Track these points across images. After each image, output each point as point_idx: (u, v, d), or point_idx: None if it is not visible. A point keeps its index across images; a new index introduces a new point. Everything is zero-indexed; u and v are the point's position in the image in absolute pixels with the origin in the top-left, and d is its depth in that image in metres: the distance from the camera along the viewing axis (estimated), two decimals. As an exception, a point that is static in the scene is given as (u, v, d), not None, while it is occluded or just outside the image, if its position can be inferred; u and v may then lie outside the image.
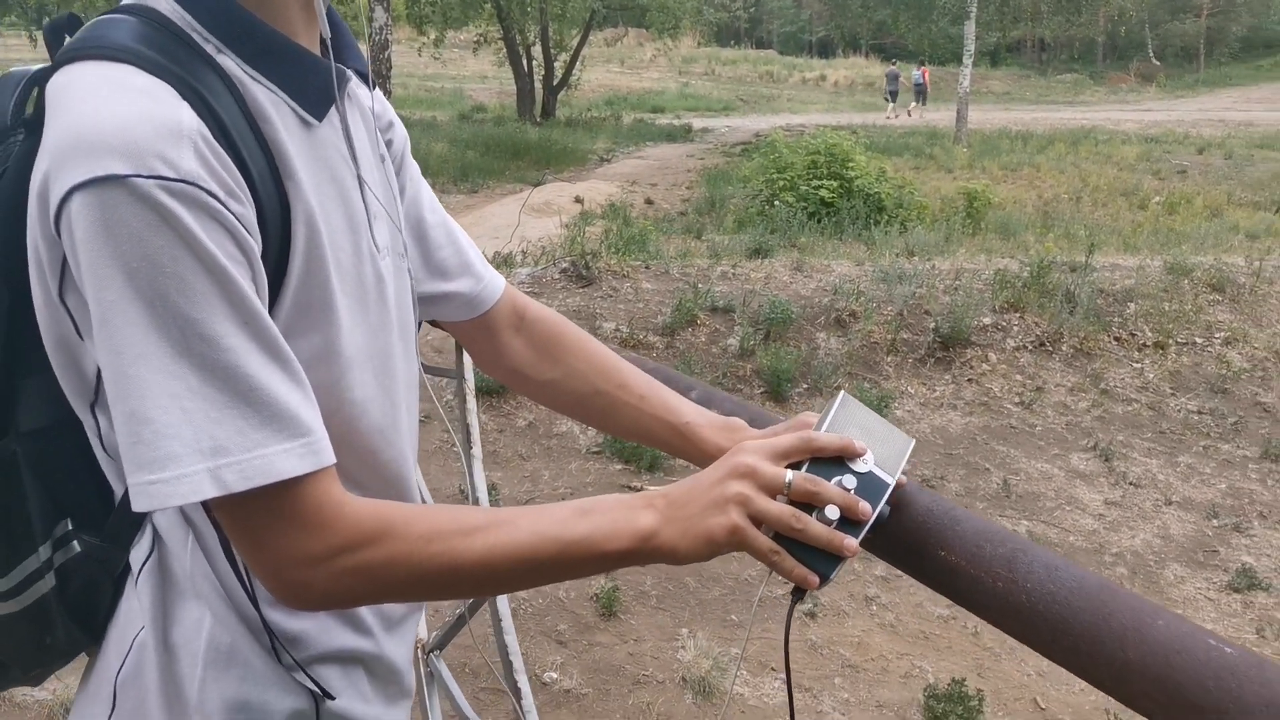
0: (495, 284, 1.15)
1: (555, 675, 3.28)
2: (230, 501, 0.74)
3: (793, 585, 0.82)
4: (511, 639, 1.79)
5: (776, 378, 5.45)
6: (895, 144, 19.52)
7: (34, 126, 0.82)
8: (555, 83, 24.61)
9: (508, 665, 1.77)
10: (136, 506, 0.73)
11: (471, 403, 1.97)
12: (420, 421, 2.02)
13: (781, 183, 11.32)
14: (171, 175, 0.71)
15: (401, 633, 1.01)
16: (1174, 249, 8.51)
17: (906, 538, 1.00)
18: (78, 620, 0.91)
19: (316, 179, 0.86)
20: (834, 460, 0.84)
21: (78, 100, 0.74)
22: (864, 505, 0.82)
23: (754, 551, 0.82)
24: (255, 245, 0.78)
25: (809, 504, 0.82)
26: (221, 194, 0.75)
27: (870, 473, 0.83)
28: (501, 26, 22.12)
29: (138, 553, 0.89)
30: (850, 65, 46.38)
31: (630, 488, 4.47)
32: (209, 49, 0.81)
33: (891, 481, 0.84)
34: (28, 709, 2.76)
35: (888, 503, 0.84)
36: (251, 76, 0.83)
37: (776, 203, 10.83)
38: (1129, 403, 6.01)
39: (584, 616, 3.65)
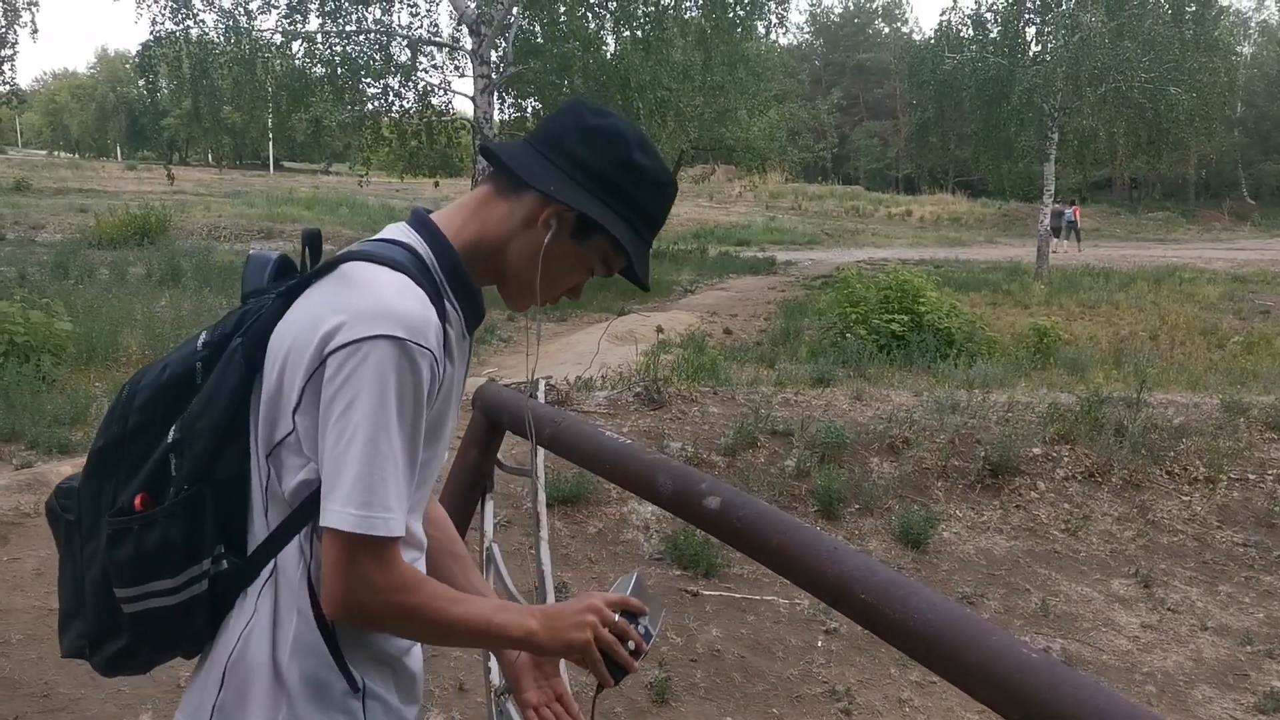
0: None
1: (609, 751, 3.70)
2: (357, 538, 1.20)
3: (598, 683, 1.40)
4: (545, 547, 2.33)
5: (829, 497, 5.87)
6: (974, 279, 19.93)
7: (289, 293, 1.31)
8: (645, 217, 25.67)
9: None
10: (324, 522, 1.23)
11: (541, 495, 2.51)
12: (499, 525, 2.61)
13: (855, 316, 11.85)
14: (424, 345, 1.23)
15: (415, 651, 1.48)
16: (1239, 387, 8.72)
17: (839, 584, 1.50)
18: (211, 617, 1.31)
19: (458, 365, 1.40)
20: (631, 614, 1.40)
21: (379, 286, 1.25)
22: (646, 646, 1.40)
23: (588, 658, 1.36)
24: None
25: (620, 638, 1.37)
26: (441, 363, 1.29)
27: (646, 628, 1.41)
28: (596, 164, 23.32)
29: (264, 573, 1.31)
30: (936, 201, 47.19)
31: (687, 592, 4.91)
32: (438, 279, 1.36)
33: (654, 634, 1.44)
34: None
35: (649, 644, 1.43)
36: (452, 304, 1.38)
37: (849, 335, 11.34)
38: (1175, 533, 6.25)
39: (638, 702, 4.07)
